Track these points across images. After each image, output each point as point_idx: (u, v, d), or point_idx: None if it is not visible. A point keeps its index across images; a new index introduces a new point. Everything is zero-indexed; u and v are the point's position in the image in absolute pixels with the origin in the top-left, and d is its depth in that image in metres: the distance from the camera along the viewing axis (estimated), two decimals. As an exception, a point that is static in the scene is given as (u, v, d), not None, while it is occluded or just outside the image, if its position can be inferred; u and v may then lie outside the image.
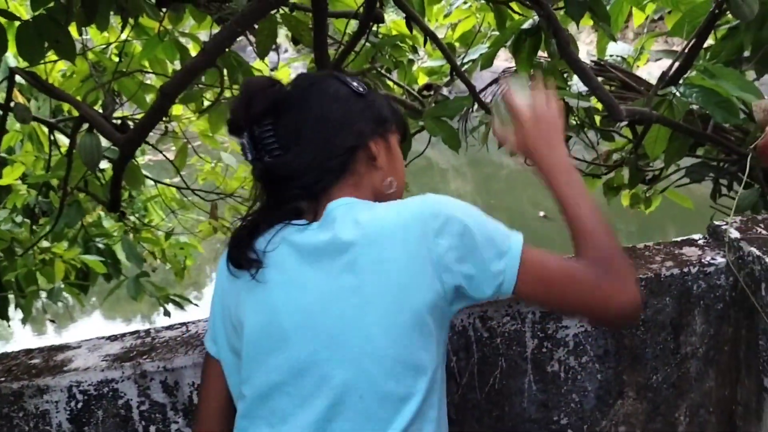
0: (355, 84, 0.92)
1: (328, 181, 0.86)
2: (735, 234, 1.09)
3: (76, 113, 3.25)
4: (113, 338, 1.17)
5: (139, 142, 1.80)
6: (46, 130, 3.29)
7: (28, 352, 1.17)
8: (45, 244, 3.02)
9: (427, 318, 0.79)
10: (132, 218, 3.61)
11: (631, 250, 1.17)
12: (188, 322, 1.20)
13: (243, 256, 0.86)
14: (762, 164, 1.41)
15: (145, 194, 3.74)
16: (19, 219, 3.32)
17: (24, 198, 3.34)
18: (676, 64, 2.03)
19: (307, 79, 0.94)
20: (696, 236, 1.18)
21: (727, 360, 1.13)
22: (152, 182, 3.54)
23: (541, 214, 7.02)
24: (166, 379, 1.08)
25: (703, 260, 1.09)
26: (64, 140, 3.10)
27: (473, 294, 0.81)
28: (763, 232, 1.09)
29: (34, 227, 3.19)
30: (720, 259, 1.09)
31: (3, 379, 1.09)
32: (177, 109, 3.26)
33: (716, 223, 1.14)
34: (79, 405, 1.09)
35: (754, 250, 1.03)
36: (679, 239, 1.19)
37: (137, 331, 1.17)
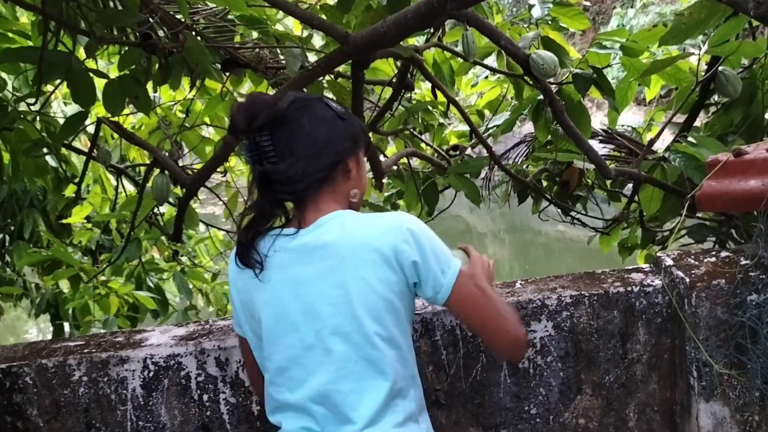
0: (339, 108, 1.18)
1: (313, 189, 1.12)
2: (669, 262, 1.37)
3: (140, 162, 3.68)
4: (180, 325, 1.49)
5: (202, 182, 2.16)
6: (110, 176, 3.72)
7: (113, 333, 1.50)
8: (102, 278, 3.36)
9: (397, 303, 1.09)
10: (183, 259, 3.97)
11: (589, 274, 1.46)
12: (237, 317, 1.51)
13: (248, 256, 1.13)
14: (701, 210, 1.65)
15: (196, 238, 4.11)
16: (78, 256, 3.69)
17: (89, 235, 3.72)
18: (665, 131, 2.34)
19: (301, 102, 1.15)
20: (644, 266, 1.47)
21: (667, 366, 1.39)
22: (204, 226, 3.88)
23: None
24: (219, 356, 1.39)
25: (644, 282, 1.38)
26: (128, 186, 3.52)
27: (419, 292, 1.12)
28: (691, 260, 1.37)
29: (95, 265, 3.56)
30: (658, 282, 1.37)
31: (94, 350, 1.41)
32: (231, 161, 3.64)
33: (658, 255, 1.42)
34: (151, 374, 1.40)
35: (680, 273, 1.31)
36: (630, 267, 1.47)
37: (198, 321, 1.50)
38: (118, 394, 1.41)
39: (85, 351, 1.40)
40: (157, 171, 2.30)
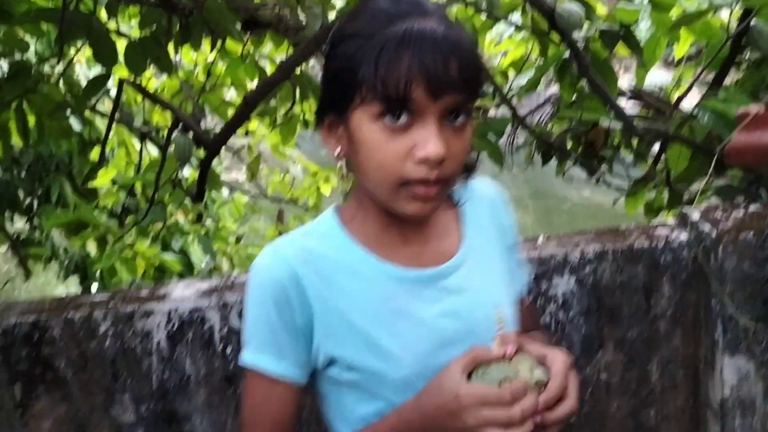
0: None
1: None
2: (696, 216, 1.35)
3: (163, 126, 3.70)
4: (203, 279, 1.51)
5: (224, 141, 2.17)
6: (134, 141, 3.74)
7: (138, 287, 1.52)
8: (128, 241, 3.40)
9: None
10: (208, 222, 4.01)
11: (613, 230, 1.44)
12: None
13: None
14: (730, 164, 1.62)
15: (219, 201, 4.15)
16: (104, 219, 3.75)
17: (115, 198, 3.77)
18: (693, 89, 2.29)
19: None
20: (670, 221, 1.44)
21: (691, 321, 1.38)
22: (227, 190, 3.91)
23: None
24: (242, 309, 1.41)
25: (669, 237, 1.36)
26: (152, 150, 3.54)
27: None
28: (719, 215, 1.34)
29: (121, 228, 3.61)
30: (683, 237, 1.35)
31: (119, 304, 1.44)
32: (253, 125, 3.64)
33: (684, 210, 1.40)
34: (175, 327, 1.42)
35: (707, 227, 1.29)
36: (655, 223, 1.45)
37: (221, 276, 1.51)
38: (144, 346, 1.43)
39: (110, 305, 1.42)
40: (178, 132, 2.31)
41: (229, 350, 1.42)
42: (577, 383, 0.82)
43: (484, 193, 0.99)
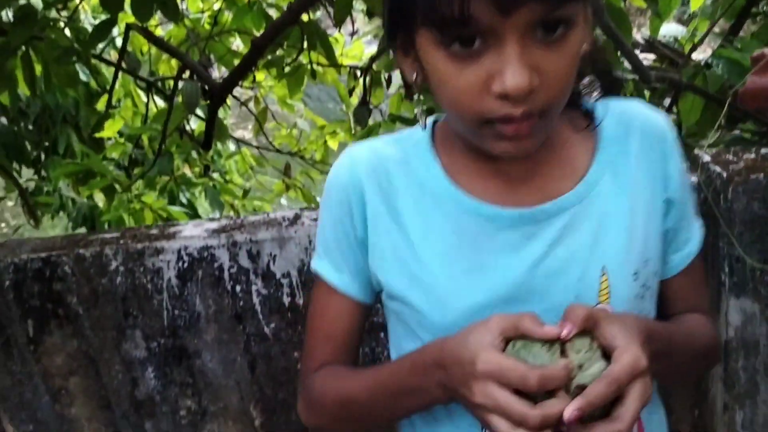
0: None
1: None
2: (707, 158, 1.34)
3: (169, 75, 3.68)
4: (212, 219, 1.52)
5: (232, 87, 2.16)
6: (141, 93, 3.72)
7: (148, 226, 1.53)
8: (136, 192, 3.41)
9: None
10: (215, 175, 4.01)
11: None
12: (267, 213, 1.53)
13: None
14: (744, 107, 1.60)
15: (227, 153, 4.14)
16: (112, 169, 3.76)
17: (122, 149, 3.77)
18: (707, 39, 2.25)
19: None
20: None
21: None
22: (234, 146, 3.90)
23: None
24: (251, 248, 1.41)
25: (679, 179, 1.35)
26: (159, 102, 3.53)
27: None
28: (730, 157, 1.33)
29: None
30: (693, 179, 1.34)
31: (129, 241, 1.45)
32: (260, 76, 3.61)
33: (696, 152, 1.39)
34: (185, 265, 1.43)
35: (717, 168, 1.29)
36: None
37: (231, 216, 1.52)
38: (154, 283, 1.44)
39: (121, 242, 1.44)
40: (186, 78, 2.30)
41: (238, 289, 1.44)
42: (640, 398, 0.61)
43: (638, 123, 0.79)
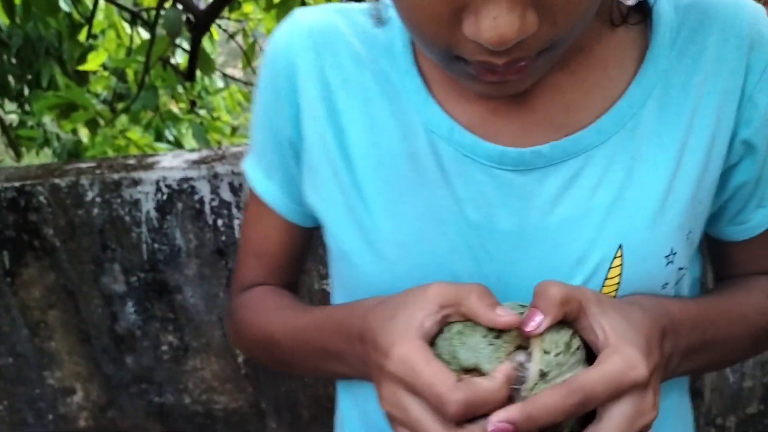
0: None
1: None
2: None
3: (153, 6, 3.54)
4: (192, 151, 1.46)
5: (216, 14, 2.07)
6: (125, 24, 3.60)
7: (125, 156, 1.47)
8: (120, 128, 3.34)
9: None
10: (202, 112, 3.93)
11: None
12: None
13: None
14: None
15: (214, 89, 4.05)
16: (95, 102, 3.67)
17: (106, 82, 3.67)
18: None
19: None
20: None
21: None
22: (222, 83, 3.81)
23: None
24: (233, 181, 1.36)
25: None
26: (143, 34, 3.41)
27: None
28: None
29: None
30: None
31: (106, 171, 1.39)
32: (248, 8, 3.49)
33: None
34: (164, 197, 1.38)
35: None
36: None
37: (212, 148, 1.46)
38: (132, 216, 1.40)
39: (97, 171, 1.38)
40: (169, 6, 2.20)
41: (220, 223, 1.39)
42: (625, 422, 0.41)
43: (718, 18, 0.50)
